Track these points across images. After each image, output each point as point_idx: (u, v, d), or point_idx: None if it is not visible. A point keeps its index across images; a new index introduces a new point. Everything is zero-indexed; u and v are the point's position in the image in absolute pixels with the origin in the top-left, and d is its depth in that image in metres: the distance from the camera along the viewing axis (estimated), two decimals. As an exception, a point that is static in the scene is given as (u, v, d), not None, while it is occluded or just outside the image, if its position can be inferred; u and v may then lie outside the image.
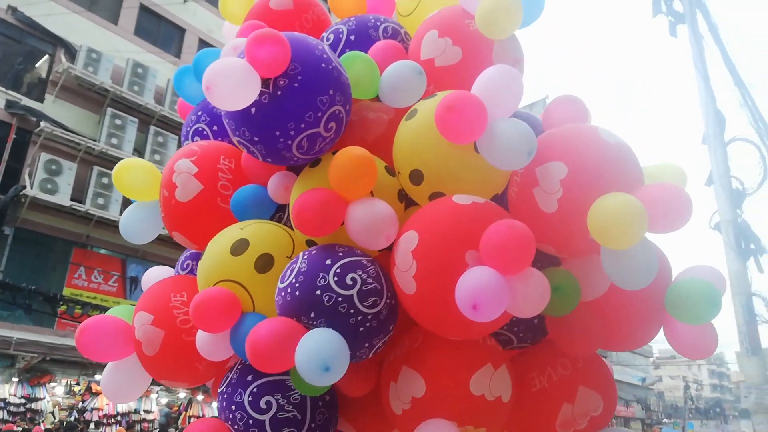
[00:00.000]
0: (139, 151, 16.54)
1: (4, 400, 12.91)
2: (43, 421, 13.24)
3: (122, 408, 14.88)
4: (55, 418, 13.51)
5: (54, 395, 13.92)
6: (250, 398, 2.12)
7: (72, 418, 13.65)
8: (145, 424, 15.18)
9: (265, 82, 2.12)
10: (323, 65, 2.18)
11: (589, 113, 2.66)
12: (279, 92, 2.11)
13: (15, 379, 13.30)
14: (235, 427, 2.15)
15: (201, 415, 16.29)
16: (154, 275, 3.01)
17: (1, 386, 13.04)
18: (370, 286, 1.98)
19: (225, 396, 2.22)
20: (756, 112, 12.97)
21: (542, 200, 2.12)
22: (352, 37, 2.75)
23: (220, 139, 2.86)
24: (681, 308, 2.23)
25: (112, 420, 14.56)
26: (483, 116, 2.05)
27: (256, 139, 2.18)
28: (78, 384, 14.36)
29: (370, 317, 1.96)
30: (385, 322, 2.02)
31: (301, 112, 2.12)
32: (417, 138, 2.24)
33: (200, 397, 16.34)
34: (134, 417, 15.09)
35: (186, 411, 16.14)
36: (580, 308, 2.26)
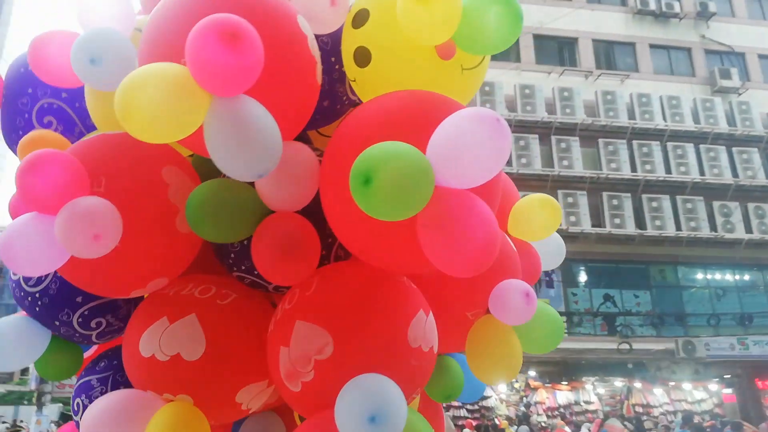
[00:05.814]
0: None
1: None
2: (497, 416, 15.11)
3: (563, 401, 15.84)
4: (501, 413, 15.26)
5: (498, 393, 15.64)
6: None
7: (521, 413, 15.02)
8: (589, 415, 15.38)
9: None
10: (22, 70, 2.27)
11: None
12: None
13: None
14: None
15: (645, 402, 15.99)
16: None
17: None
18: None
19: None
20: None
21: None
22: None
23: None
24: None
25: (556, 412, 15.51)
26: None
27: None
28: (516, 381, 15.44)
29: (37, 296, 1.93)
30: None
31: (11, 121, 2.27)
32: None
33: (638, 384, 16.08)
34: (576, 408, 15.81)
35: (627, 399, 15.84)
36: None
